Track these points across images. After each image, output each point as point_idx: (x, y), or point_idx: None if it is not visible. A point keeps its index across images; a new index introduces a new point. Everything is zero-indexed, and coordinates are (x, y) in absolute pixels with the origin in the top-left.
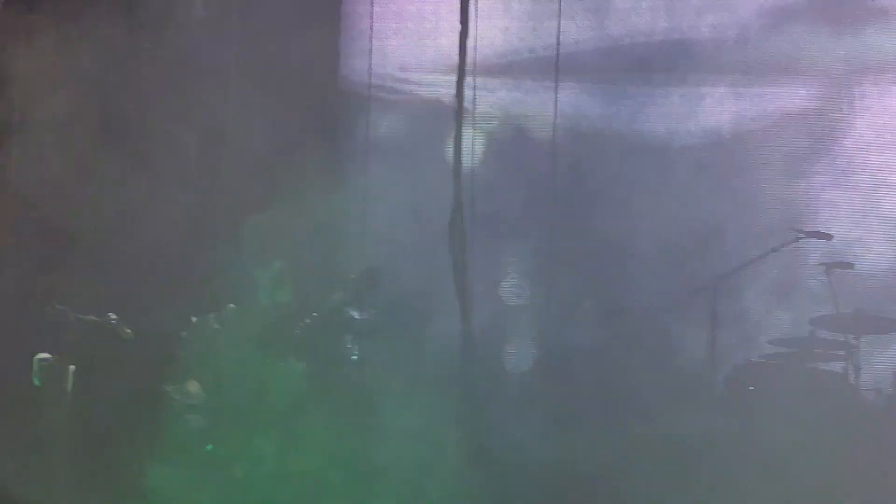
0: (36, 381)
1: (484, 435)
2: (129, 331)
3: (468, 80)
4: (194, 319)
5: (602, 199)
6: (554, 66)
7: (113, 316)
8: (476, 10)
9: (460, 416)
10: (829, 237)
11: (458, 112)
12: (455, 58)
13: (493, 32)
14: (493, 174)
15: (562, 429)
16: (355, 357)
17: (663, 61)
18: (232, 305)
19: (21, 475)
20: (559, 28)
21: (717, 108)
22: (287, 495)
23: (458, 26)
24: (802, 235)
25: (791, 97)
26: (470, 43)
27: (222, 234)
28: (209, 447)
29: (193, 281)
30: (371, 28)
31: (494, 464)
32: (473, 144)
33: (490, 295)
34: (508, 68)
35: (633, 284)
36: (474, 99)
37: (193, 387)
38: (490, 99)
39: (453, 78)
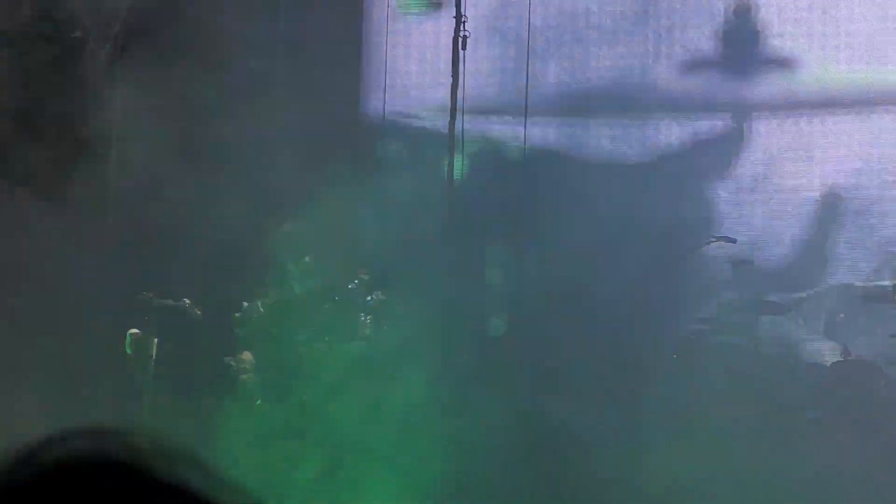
0: (128, 350)
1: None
2: (198, 312)
3: (458, 116)
4: (245, 304)
5: (561, 207)
6: (523, 104)
7: (187, 301)
8: (464, 64)
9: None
10: (733, 240)
11: (451, 140)
12: (449, 99)
13: (478, 80)
14: (477, 188)
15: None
16: (368, 330)
17: (610, 99)
18: (273, 292)
19: (118, 419)
20: (528, 76)
21: (654, 134)
22: (314, 432)
23: (452, 74)
24: (714, 239)
25: (710, 127)
26: (460, 89)
27: (268, 236)
28: (258, 402)
29: (246, 273)
30: (385, 76)
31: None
32: (462, 165)
33: (473, 282)
34: (489, 107)
35: (589, 276)
36: (463, 131)
37: (247, 357)
38: (475, 130)
39: (447, 115)
